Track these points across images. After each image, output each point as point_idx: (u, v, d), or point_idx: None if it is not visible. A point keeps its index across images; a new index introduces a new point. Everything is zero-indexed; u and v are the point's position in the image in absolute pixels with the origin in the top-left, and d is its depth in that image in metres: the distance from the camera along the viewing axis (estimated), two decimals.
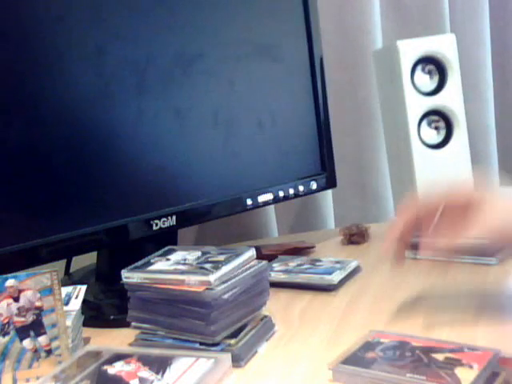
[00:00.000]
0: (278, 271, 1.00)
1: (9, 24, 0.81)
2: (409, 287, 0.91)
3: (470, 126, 1.21)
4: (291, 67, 1.15)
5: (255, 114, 1.08)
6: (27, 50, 0.83)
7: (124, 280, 0.75)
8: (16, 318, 0.69)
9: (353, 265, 1.00)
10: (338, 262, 1.01)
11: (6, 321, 0.69)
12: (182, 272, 0.72)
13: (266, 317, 0.79)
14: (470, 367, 0.61)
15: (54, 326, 0.70)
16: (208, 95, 1.01)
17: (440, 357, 0.64)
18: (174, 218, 0.97)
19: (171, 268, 0.74)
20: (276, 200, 1.12)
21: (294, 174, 1.15)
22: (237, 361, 0.71)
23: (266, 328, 0.79)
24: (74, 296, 0.79)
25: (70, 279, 1.05)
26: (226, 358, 0.68)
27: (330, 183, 1.22)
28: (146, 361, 0.68)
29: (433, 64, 1.17)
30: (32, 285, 0.69)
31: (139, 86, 0.93)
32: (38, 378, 0.69)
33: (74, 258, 1.07)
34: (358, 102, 1.45)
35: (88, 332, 0.83)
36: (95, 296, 0.94)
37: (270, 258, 1.02)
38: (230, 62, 1.05)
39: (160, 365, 0.67)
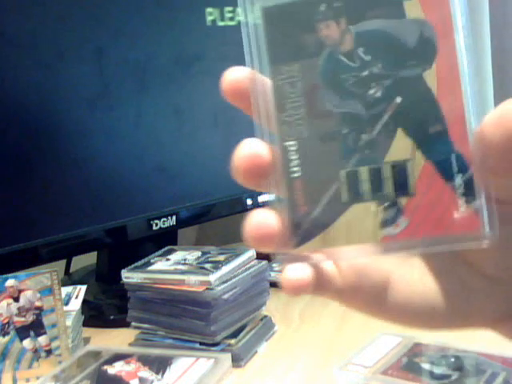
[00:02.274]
0: (278, 271, 1.00)
1: (9, 24, 0.81)
2: None
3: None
4: None
5: None
6: (27, 50, 0.83)
7: (124, 280, 0.75)
8: (16, 318, 0.69)
9: None
10: None
11: (6, 321, 0.69)
12: (182, 272, 0.72)
13: (265, 317, 0.79)
14: None
15: (54, 326, 0.70)
16: (208, 95, 1.01)
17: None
18: (174, 218, 0.97)
19: (171, 268, 0.74)
20: None
21: None
22: (237, 361, 0.71)
23: (266, 328, 0.79)
24: (74, 296, 0.79)
25: (69, 279, 1.05)
26: (226, 358, 0.68)
27: None
28: (146, 361, 0.68)
29: None
30: (32, 285, 0.69)
31: (139, 86, 0.93)
32: (38, 378, 0.69)
33: (73, 258, 1.07)
34: None
35: (88, 332, 0.83)
36: (95, 296, 0.94)
37: (270, 257, 1.02)
38: (230, 61, 1.05)
39: (160, 365, 0.67)
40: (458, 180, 0.27)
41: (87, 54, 0.88)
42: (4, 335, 0.69)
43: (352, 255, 0.29)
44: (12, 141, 0.82)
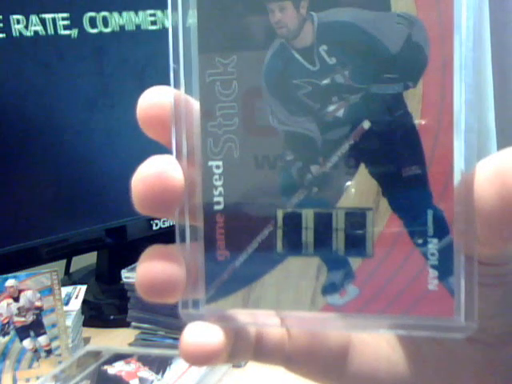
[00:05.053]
0: None
1: (9, 24, 0.81)
2: None
3: None
4: None
5: None
6: (27, 50, 0.83)
7: (124, 280, 0.75)
8: (16, 318, 0.69)
9: None
10: None
11: (5, 321, 0.69)
12: None
13: None
14: None
15: (54, 326, 0.70)
16: None
17: None
18: None
19: None
20: None
21: None
22: None
23: None
24: (74, 296, 0.79)
25: (70, 279, 1.05)
26: None
27: None
28: (146, 361, 0.68)
29: None
30: (32, 285, 0.69)
31: (139, 86, 0.93)
32: (38, 377, 0.69)
33: (73, 258, 1.07)
34: None
35: (88, 332, 0.83)
36: (95, 296, 0.94)
37: None
38: None
39: (160, 365, 0.67)
40: (432, 246, 0.20)
41: (87, 53, 0.88)
42: (4, 335, 0.69)
43: (280, 323, 0.22)
44: (12, 140, 0.82)
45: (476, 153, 0.19)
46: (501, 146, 1.60)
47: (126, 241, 0.94)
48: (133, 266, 0.76)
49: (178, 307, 0.22)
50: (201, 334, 0.21)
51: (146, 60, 0.93)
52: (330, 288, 0.21)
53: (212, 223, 0.21)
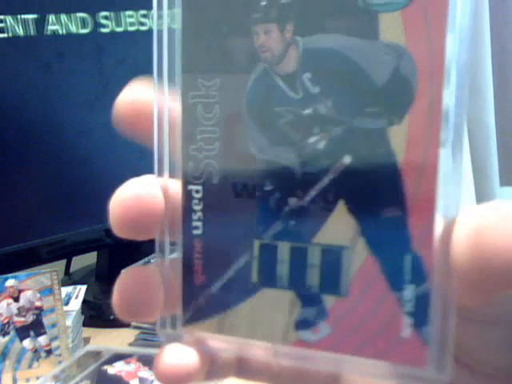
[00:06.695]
0: None
1: (9, 24, 0.81)
2: None
3: (469, 126, 1.22)
4: None
5: None
6: (27, 49, 0.83)
7: None
8: (16, 318, 0.69)
9: None
10: None
11: (5, 321, 0.69)
12: None
13: None
14: None
15: (54, 325, 0.70)
16: None
17: None
18: None
19: None
20: None
21: None
22: None
23: None
24: (74, 296, 0.79)
25: (70, 279, 1.05)
26: None
27: None
28: (146, 361, 0.68)
29: None
30: (32, 285, 0.69)
31: None
32: (38, 377, 0.69)
33: (73, 258, 1.07)
34: None
35: (88, 332, 0.83)
36: (95, 296, 0.94)
37: None
38: None
39: None
40: (409, 292, 0.19)
41: (87, 53, 0.88)
42: (4, 335, 0.69)
43: (252, 353, 0.21)
44: (11, 140, 0.82)
45: (460, 198, 0.18)
46: (501, 146, 1.60)
47: (126, 241, 0.94)
48: (133, 265, 0.76)
49: (156, 326, 0.22)
50: (175, 355, 0.21)
51: (147, 60, 0.93)
52: (302, 324, 0.20)
53: (190, 247, 0.21)
